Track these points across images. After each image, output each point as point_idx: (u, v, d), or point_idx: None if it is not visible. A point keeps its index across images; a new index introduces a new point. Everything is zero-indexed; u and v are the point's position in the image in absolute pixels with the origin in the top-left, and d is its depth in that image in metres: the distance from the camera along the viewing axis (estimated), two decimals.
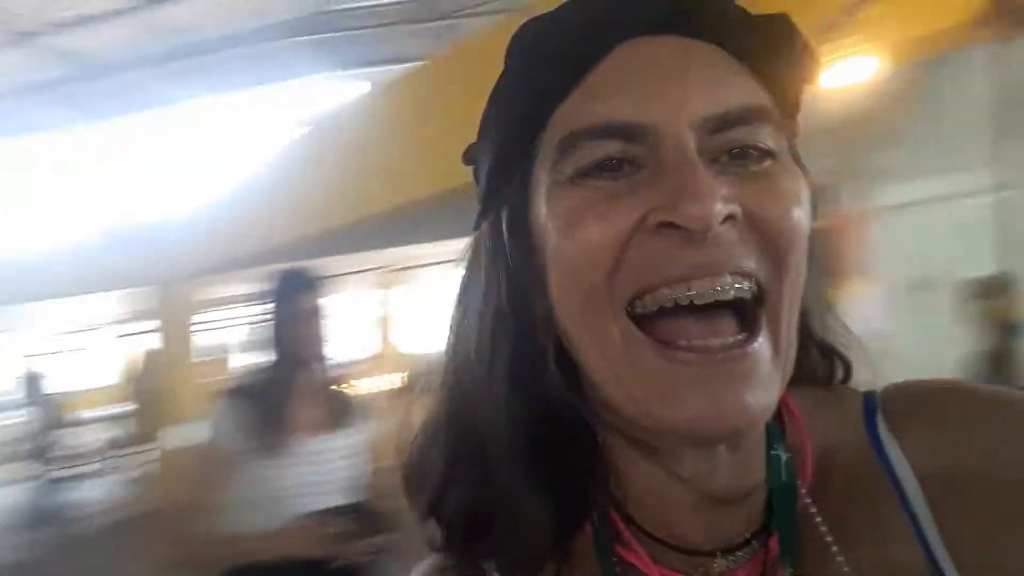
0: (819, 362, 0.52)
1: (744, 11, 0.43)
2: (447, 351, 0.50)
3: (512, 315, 0.45)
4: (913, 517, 0.44)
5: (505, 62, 0.45)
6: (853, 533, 0.44)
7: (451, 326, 0.50)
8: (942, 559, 0.42)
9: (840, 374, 0.53)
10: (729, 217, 0.37)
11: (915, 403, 0.47)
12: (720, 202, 0.37)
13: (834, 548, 0.43)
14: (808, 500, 0.45)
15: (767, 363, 0.39)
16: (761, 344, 0.39)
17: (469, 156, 0.50)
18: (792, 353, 0.42)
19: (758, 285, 0.39)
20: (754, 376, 0.38)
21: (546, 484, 0.46)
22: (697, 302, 0.38)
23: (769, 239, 0.39)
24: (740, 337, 0.39)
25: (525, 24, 0.43)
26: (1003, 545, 0.42)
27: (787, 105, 0.44)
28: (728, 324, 0.40)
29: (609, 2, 0.42)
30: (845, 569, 0.43)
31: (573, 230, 0.40)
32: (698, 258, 0.38)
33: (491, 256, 0.46)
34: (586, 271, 0.40)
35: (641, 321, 0.40)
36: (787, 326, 0.41)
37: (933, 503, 0.44)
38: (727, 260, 0.38)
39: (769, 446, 0.46)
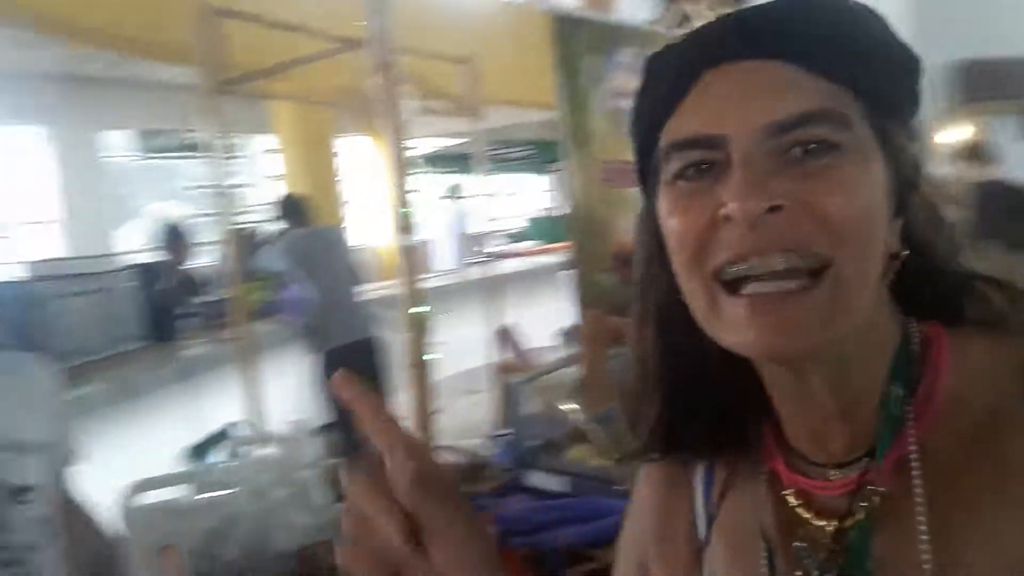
0: (1003, 306, 0.56)
1: (816, 26, 0.50)
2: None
3: (658, 276, 0.57)
4: None
5: (641, 77, 0.57)
6: (963, 480, 0.49)
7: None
8: None
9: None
10: (775, 208, 0.46)
11: None
12: (762, 199, 0.46)
13: (919, 509, 0.49)
14: (913, 446, 0.50)
15: (818, 309, 0.47)
16: (812, 296, 0.48)
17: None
18: (862, 302, 0.49)
19: (819, 255, 0.47)
20: (798, 317, 0.48)
21: (695, 407, 0.59)
22: (752, 275, 0.48)
23: (821, 222, 0.47)
24: (791, 287, 0.48)
25: (656, 51, 0.56)
26: None
27: (876, 97, 0.50)
28: (794, 280, 0.48)
29: (697, 41, 0.54)
30: (920, 519, 0.48)
31: (669, 221, 0.52)
32: (750, 240, 0.47)
33: (640, 226, 0.60)
34: (680, 251, 0.52)
35: (729, 283, 0.51)
36: (854, 284, 0.48)
37: None
38: (774, 241, 0.47)
39: (891, 380, 0.53)
